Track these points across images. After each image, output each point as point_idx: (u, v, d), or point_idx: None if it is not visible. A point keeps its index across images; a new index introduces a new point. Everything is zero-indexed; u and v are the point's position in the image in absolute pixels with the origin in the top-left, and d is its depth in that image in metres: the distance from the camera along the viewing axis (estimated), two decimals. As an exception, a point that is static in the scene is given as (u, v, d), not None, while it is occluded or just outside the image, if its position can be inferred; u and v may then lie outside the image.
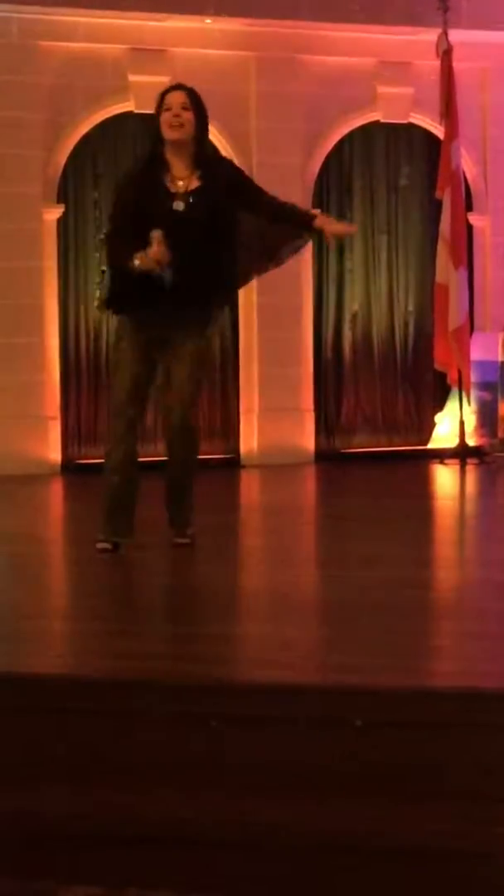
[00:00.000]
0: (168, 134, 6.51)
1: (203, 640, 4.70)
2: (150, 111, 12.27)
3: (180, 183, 6.47)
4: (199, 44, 12.28)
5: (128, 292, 6.49)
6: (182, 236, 6.31)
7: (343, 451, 12.79)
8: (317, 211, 6.52)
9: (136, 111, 12.18)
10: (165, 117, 6.52)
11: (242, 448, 12.50)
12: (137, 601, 5.71)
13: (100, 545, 6.65)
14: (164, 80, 12.04)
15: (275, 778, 3.74)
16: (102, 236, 6.78)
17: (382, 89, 12.79)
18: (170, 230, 6.28)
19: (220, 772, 3.79)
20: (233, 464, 12.40)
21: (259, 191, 6.67)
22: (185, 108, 6.51)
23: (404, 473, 11.77)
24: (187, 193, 6.46)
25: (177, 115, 6.49)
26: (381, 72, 12.77)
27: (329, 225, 6.80)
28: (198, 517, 8.92)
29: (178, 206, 6.43)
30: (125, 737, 3.89)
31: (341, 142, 12.83)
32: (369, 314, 12.99)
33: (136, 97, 12.13)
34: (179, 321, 6.46)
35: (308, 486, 11.46)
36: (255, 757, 3.77)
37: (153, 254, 6.23)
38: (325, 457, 12.52)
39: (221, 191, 6.49)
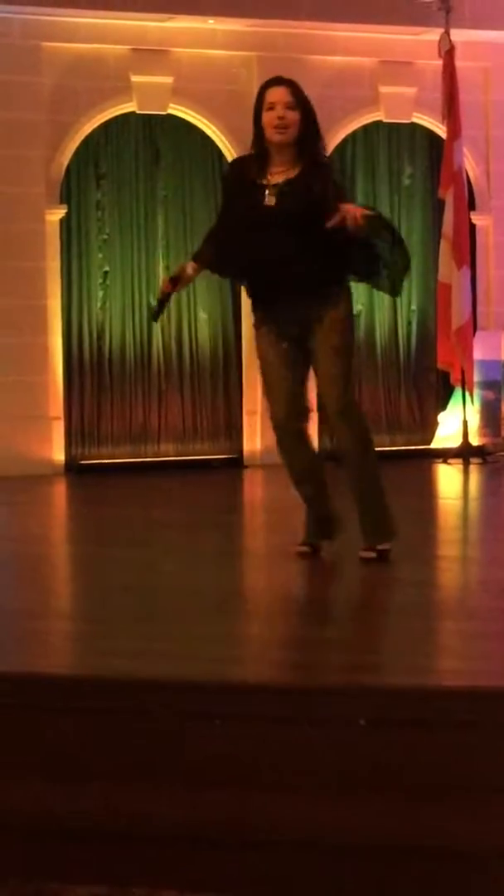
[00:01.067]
0: (272, 136, 6.05)
1: (207, 640, 4.71)
2: (153, 111, 12.41)
3: (271, 177, 6.05)
4: (202, 44, 12.29)
5: (256, 294, 6.22)
6: (275, 230, 5.97)
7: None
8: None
9: (139, 111, 12.20)
10: (268, 118, 6.05)
11: (245, 448, 12.50)
12: (140, 601, 5.71)
13: (299, 549, 6.43)
14: (167, 80, 12.12)
15: (280, 777, 3.75)
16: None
17: (385, 89, 12.79)
18: (260, 225, 6.00)
19: (224, 771, 3.79)
20: (236, 463, 12.40)
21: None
22: (289, 108, 6.02)
23: (407, 473, 11.75)
24: (277, 185, 6.03)
25: (282, 117, 6.02)
26: (384, 72, 12.77)
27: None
28: (200, 516, 8.96)
29: (270, 200, 6.03)
30: (130, 736, 3.90)
31: (344, 141, 12.82)
32: (372, 313, 12.99)
33: (139, 98, 12.14)
34: (306, 313, 6.08)
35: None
36: (260, 756, 3.77)
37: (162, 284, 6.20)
38: (329, 456, 12.48)
39: (317, 188, 5.99)
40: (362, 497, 6.25)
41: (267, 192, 6.04)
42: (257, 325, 6.27)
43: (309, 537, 6.46)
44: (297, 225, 5.96)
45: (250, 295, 6.29)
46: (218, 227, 6.36)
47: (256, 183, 6.07)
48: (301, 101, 6.05)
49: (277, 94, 6.04)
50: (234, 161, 6.39)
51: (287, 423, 6.24)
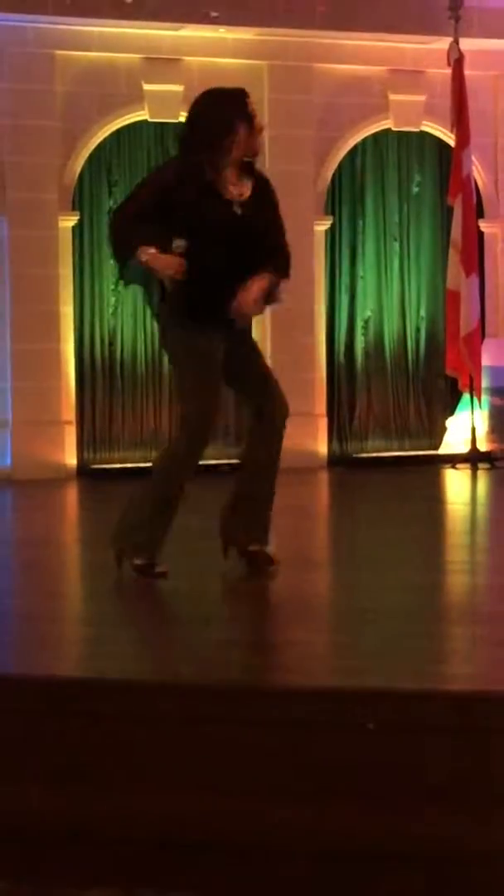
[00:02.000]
0: (256, 148, 6.35)
1: (215, 644, 4.75)
2: (165, 119, 12.44)
3: (232, 189, 6.24)
4: (213, 53, 12.36)
5: (199, 297, 6.22)
6: (240, 242, 6.17)
7: (355, 455, 12.84)
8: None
9: (151, 120, 12.27)
10: (255, 131, 6.28)
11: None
12: (149, 606, 5.75)
13: (161, 570, 6.27)
14: (179, 89, 12.18)
15: (289, 781, 3.77)
16: (113, 210, 6.50)
17: (394, 97, 12.85)
18: (227, 234, 6.16)
19: (234, 775, 3.81)
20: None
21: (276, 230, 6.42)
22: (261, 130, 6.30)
23: (416, 478, 11.81)
24: (242, 201, 6.24)
25: (261, 130, 6.32)
26: (393, 80, 12.84)
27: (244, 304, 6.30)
28: (208, 521, 8.99)
29: (238, 210, 6.22)
30: (132, 739, 3.91)
31: (353, 149, 12.88)
32: (381, 320, 13.05)
33: (151, 106, 12.22)
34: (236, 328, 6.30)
35: (320, 490, 11.51)
36: (268, 760, 3.80)
37: (174, 265, 6.12)
38: (338, 461, 12.57)
39: (267, 204, 6.32)
40: (267, 500, 6.46)
41: (234, 204, 6.23)
42: (189, 324, 6.26)
43: (153, 552, 6.30)
44: (255, 239, 6.22)
45: (189, 295, 6.23)
46: (147, 209, 6.29)
47: (218, 192, 6.22)
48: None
49: (252, 107, 6.33)
50: (179, 163, 6.45)
51: (213, 421, 6.42)
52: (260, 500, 6.46)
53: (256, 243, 6.23)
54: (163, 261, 6.12)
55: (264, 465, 6.46)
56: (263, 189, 6.35)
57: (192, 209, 6.16)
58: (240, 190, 6.27)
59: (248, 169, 6.34)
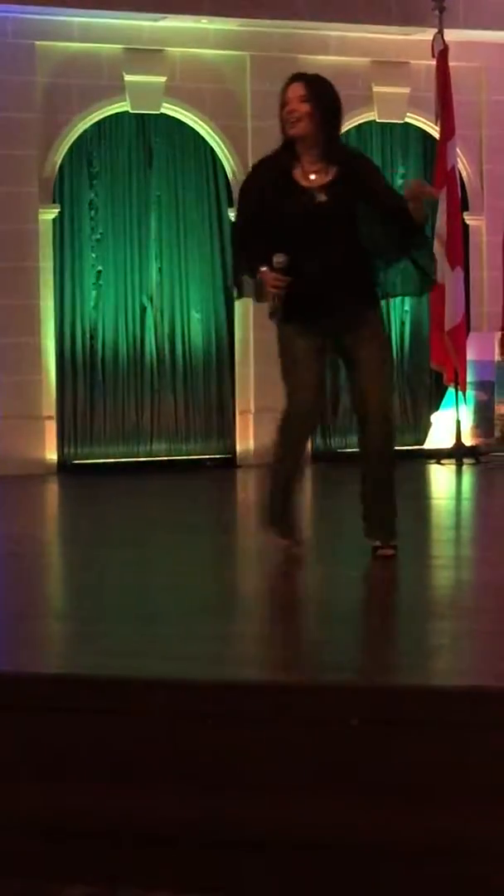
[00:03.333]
0: (286, 130, 6.11)
1: (199, 640, 4.71)
2: (146, 111, 12.41)
3: (313, 177, 6.10)
4: (195, 44, 12.29)
5: (294, 302, 6.09)
6: (322, 231, 6.06)
7: (339, 450, 12.79)
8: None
9: (132, 111, 12.20)
10: (283, 114, 6.12)
11: (238, 448, 12.51)
12: (132, 601, 5.71)
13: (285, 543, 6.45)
14: (161, 79, 12.11)
15: (272, 777, 3.74)
16: (233, 227, 6.58)
17: (378, 89, 12.80)
18: (309, 226, 6.07)
19: (216, 771, 3.78)
20: (229, 463, 12.40)
21: (386, 194, 6.24)
22: (302, 101, 6.05)
23: (401, 473, 11.68)
24: (323, 187, 6.09)
25: (292, 111, 6.07)
26: (377, 71, 12.78)
27: (417, 195, 6.12)
28: (192, 516, 8.96)
29: (322, 197, 6.08)
30: (120, 735, 3.89)
31: (337, 141, 12.83)
32: (365, 314, 12.99)
33: (132, 97, 12.15)
34: (349, 318, 6.16)
35: (304, 485, 11.45)
36: (251, 756, 3.77)
37: (272, 282, 6.01)
38: (323, 456, 12.51)
39: (358, 185, 6.10)
40: (385, 499, 6.29)
41: (315, 191, 6.09)
42: (289, 324, 6.21)
43: (276, 530, 6.44)
44: (348, 224, 6.08)
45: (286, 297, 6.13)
46: (255, 227, 6.23)
47: (297, 183, 6.12)
48: (317, 95, 6.09)
49: (292, 91, 6.12)
50: (258, 163, 6.40)
51: (313, 409, 6.39)
52: (372, 496, 6.32)
53: (346, 228, 6.07)
54: (267, 281, 6.02)
55: (368, 460, 6.32)
56: (352, 167, 6.14)
57: (273, 207, 6.09)
58: (320, 177, 6.10)
59: (332, 152, 6.11)
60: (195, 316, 12.49)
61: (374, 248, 6.19)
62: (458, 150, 12.29)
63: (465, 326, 12.17)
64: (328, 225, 6.07)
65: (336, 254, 6.07)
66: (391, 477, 6.28)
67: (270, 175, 6.19)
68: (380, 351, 6.27)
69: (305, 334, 6.18)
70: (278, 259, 5.99)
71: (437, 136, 12.27)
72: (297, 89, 6.09)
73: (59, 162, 12.08)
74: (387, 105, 12.88)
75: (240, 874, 3.68)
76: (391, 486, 6.28)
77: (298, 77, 6.20)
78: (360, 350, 6.18)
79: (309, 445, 12.23)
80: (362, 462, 6.34)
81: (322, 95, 6.11)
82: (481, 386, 12.69)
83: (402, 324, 13.14)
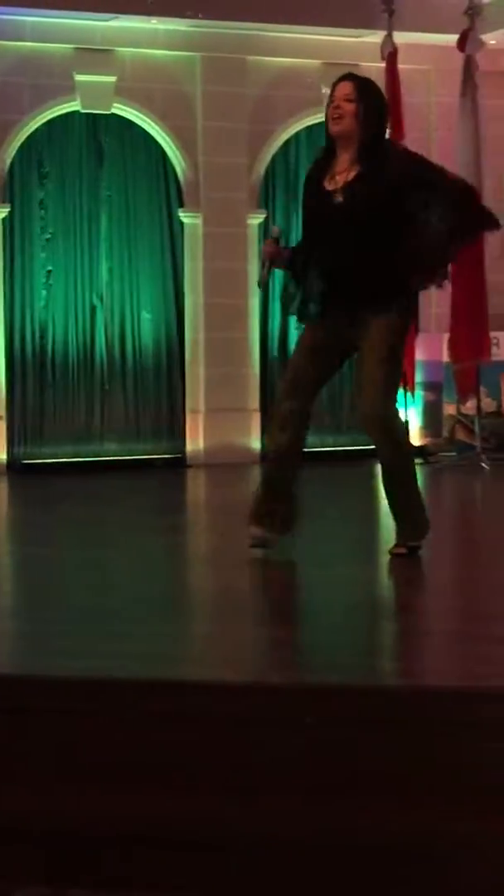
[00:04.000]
0: (329, 127, 6.22)
1: (154, 640, 4.71)
2: (97, 110, 12.38)
3: (338, 178, 6.16)
4: (146, 44, 12.30)
5: (307, 290, 6.24)
6: (334, 232, 6.11)
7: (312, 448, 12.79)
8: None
9: (83, 110, 12.19)
10: (329, 110, 6.21)
11: (189, 448, 12.53)
12: (85, 601, 5.70)
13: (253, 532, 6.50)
14: (111, 79, 12.11)
15: (227, 776, 3.75)
16: None
17: (328, 90, 12.80)
18: (323, 227, 6.15)
19: (172, 771, 3.78)
20: (179, 463, 12.41)
21: (436, 178, 6.24)
22: (348, 100, 6.13)
23: (351, 473, 11.81)
24: (342, 188, 6.14)
25: (337, 107, 6.14)
26: (327, 73, 12.80)
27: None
28: (142, 516, 8.96)
29: (339, 198, 6.14)
30: (77, 736, 3.88)
31: (287, 142, 12.87)
32: (315, 314, 13.02)
33: (83, 96, 12.13)
34: (361, 319, 6.16)
35: (254, 486, 11.45)
36: (206, 756, 3.78)
37: (266, 251, 6.32)
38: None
39: (387, 181, 6.09)
40: (393, 494, 6.44)
41: (334, 193, 6.16)
42: (301, 319, 6.37)
43: (259, 522, 6.46)
44: (365, 224, 6.08)
45: (301, 292, 6.28)
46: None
47: (323, 184, 6.22)
48: (363, 95, 6.17)
49: (340, 89, 6.21)
50: (311, 166, 6.49)
51: (293, 407, 6.34)
52: (391, 498, 6.46)
53: (362, 229, 6.07)
54: (263, 250, 6.33)
55: (383, 465, 6.41)
56: (382, 160, 6.15)
57: (304, 207, 6.36)
58: (343, 177, 6.17)
59: (370, 153, 6.15)
60: (145, 316, 12.49)
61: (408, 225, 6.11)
62: (407, 152, 12.33)
63: (414, 328, 12.20)
64: (342, 226, 6.09)
65: (346, 255, 6.09)
66: (397, 470, 6.38)
67: (312, 180, 6.31)
68: (376, 348, 6.17)
69: (314, 335, 6.28)
70: (274, 230, 6.30)
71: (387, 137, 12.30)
72: (345, 88, 6.17)
73: (10, 161, 12.05)
74: (337, 106, 12.90)
75: (192, 873, 3.70)
76: (399, 481, 6.40)
77: (348, 77, 6.28)
78: (362, 347, 6.21)
79: (258, 445, 12.54)
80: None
81: (368, 97, 6.19)
82: (430, 387, 12.77)
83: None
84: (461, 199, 6.25)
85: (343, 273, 6.12)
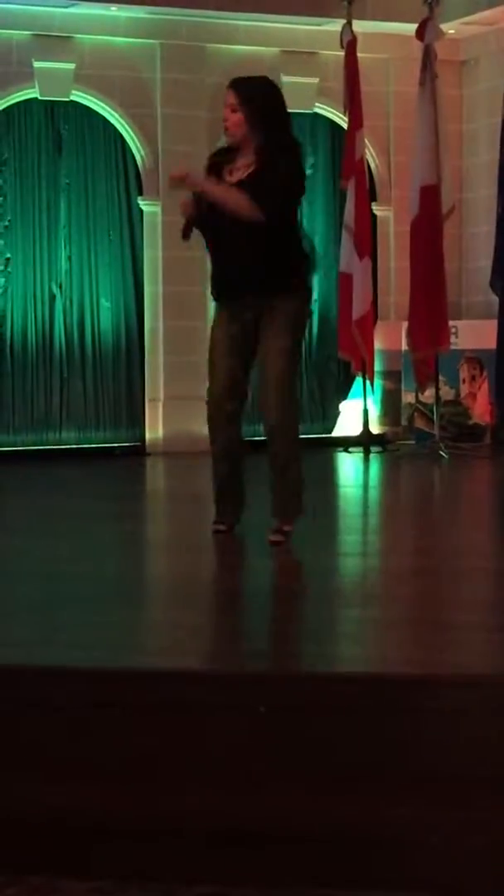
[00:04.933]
0: (226, 137, 6.45)
1: (107, 628, 4.71)
2: (55, 97, 12.33)
3: (237, 173, 6.37)
4: (105, 31, 12.26)
5: (218, 280, 6.58)
6: (228, 225, 6.29)
7: (248, 438, 12.78)
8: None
9: (41, 97, 12.13)
10: (223, 120, 6.43)
11: (148, 436, 12.51)
12: (46, 589, 5.69)
13: (214, 526, 6.81)
14: (70, 66, 12.06)
15: (180, 765, 3.76)
16: None
17: (287, 78, 12.81)
18: (220, 220, 6.30)
19: (126, 760, 3.79)
20: (138, 451, 12.40)
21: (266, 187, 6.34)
22: (233, 110, 6.31)
23: (309, 461, 11.79)
24: (238, 183, 6.33)
25: (225, 119, 6.36)
26: (286, 61, 12.82)
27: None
28: (101, 504, 8.95)
29: None
30: (25, 726, 3.87)
31: (246, 130, 12.85)
32: (274, 303, 13.02)
33: (41, 83, 12.08)
34: (265, 306, 6.40)
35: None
36: (160, 744, 3.78)
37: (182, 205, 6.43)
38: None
39: (271, 177, 6.26)
40: (278, 481, 6.57)
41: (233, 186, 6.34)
42: (217, 304, 6.68)
43: (220, 515, 6.82)
44: (257, 226, 6.25)
45: (211, 279, 6.67)
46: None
47: (223, 175, 6.41)
48: (248, 100, 6.28)
49: (226, 98, 6.36)
50: (215, 152, 6.71)
51: (221, 402, 6.62)
52: (273, 483, 6.63)
53: (250, 224, 6.23)
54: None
55: (269, 443, 6.64)
56: (262, 160, 6.30)
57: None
58: (238, 174, 6.36)
59: (267, 150, 6.29)
60: (104, 304, 12.47)
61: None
62: (366, 140, 12.36)
63: (373, 316, 12.24)
64: (233, 220, 6.27)
65: (239, 246, 6.31)
66: (285, 459, 6.55)
67: (213, 164, 6.50)
68: (279, 344, 6.41)
69: (225, 323, 6.54)
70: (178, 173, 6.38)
71: (345, 126, 12.33)
72: (230, 97, 6.32)
73: (-33, 148, 12.00)
74: (296, 95, 12.85)
75: (149, 862, 3.71)
76: (286, 468, 6.55)
77: (232, 84, 6.38)
78: (264, 341, 6.44)
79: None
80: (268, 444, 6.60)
81: (253, 100, 6.29)
82: (389, 375, 12.80)
83: (311, 313, 13.19)
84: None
85: (238, 263, 6.36)
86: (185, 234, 6.49)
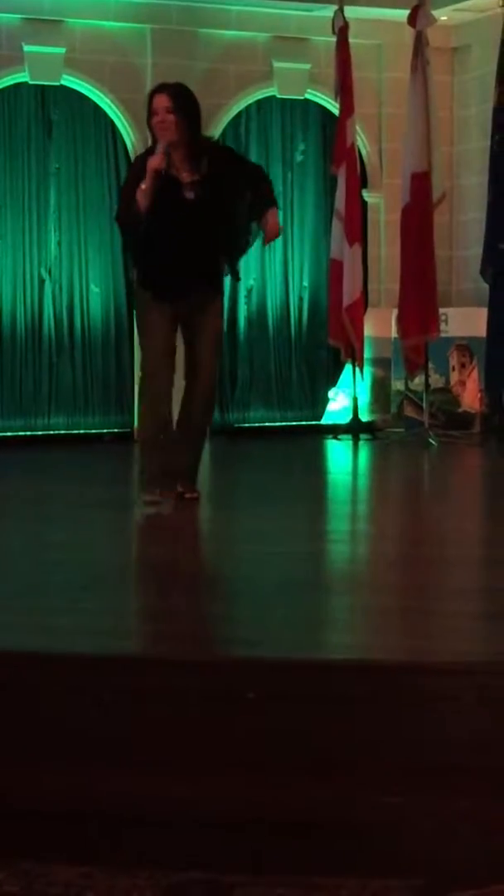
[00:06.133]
0: (160, 137, 7.10)
1: (94, 613, 4.70)
2: (45, 81, 12.31)
3: (185, 174, 7.11)
4: (96, 15, 12.21)
5: (152, 271, 7.24)
6: (192, 220, 7.07)
7: (236, 425, 12.82)
8: (273, 209, 7.29)
9: (31, 81, 12.10)
10: (153, 122, 7.13)
11: (136, 422, 12.48)
12: (33, 574, 5.68)
13: (148, 499, 7.37)
14: (60, 51, 12.02)
15: (167, 752, 3.75)
16: (117, 216, 7.60)
17: (278, 64, 12.81)
18: (182, 215, 7.05)
19: (110, 748, 3.78)
20: (126, 438, 12.39)
21: (244, 164, 7.53)
22: (168, 111, 7.07)
23: (298, 448, 11.84)
24: (192, 184, 7.11)
25: (162, 121, 7.07)
26: (278, 47, 12.78)
27: (273, 226, 7.23)
28: (90, 490, 8.96)
29: (189, 194, 7.11)
30: (16, 711, 3.87)
31: (237, 116, 12.83)
32: (264, 289, 13.02)
33: (31, 68, 12.04)
34: (196, 296, 7.22)
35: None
36: (148, 732, 3.77)
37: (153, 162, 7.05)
38: (219, 431, 12.53)
39: (224, 177, 7.15)
40: (196, 450, 7.55)
41: (184, 187, 7.12)
42: (146, 294, 7.30)
43: (158, 486, 7.40)
44: (210, 217, 7.11)
45: (146, 269, 7.32)
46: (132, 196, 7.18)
47: (171, 176, 7.10)
48: (180, 105, 7.11)
49: (158, 101, 7.12)
50: (141, 154, 7.50)
51: (162, 382, 7.33)
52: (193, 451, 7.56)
53: (204, 222, 7.09)
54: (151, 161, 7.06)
55: (189, 419, 7.50)
56: (219, 161, 7.18)
57: (152, 194, 7.06)
58: (190, 174, 7.11)
59: (195, 152, 7.12)
60: (94, 289, 12.44)
61: (234, 222, 7.24)
62: (357, 127, 12.34)
63: (363, 303, 12.23)
64: (189, 219, 7.06)
65: (190, 244, 7.09)
66: (204, 433, 7.57)
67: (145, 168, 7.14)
68: (216, 332, 7.40)
69: (159, 306, 7.20)
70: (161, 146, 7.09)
71: (337, 112, 12.31)
72: (163, 101, 7.09)
73: (-44, 132, 11.96)
74: (287, 81, 12.90)
75: (140, 848, 3.70)
76: (202, 441, 7.56)
77: (162, 88, 7.20)
78: (202, 328, 7.31)
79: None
80: (182, 417, 7.47)
81: (185, 104, 7.14)
82: (378, 362, 12.79)
83: (301, 300, 13.19)
84: (258, 179, 7.31)
85: (185, 260, 7.13)
86: (133, 216, 7.06)
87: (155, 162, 7.04)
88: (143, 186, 7.02)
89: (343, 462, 11.08)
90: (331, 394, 13.01)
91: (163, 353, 7.26)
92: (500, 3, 11.59)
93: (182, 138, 7.09)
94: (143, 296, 7.30)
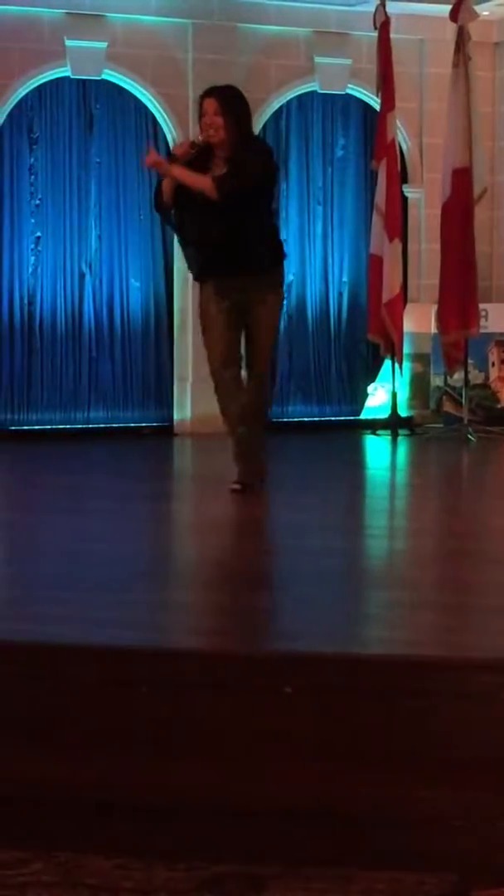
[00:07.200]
0: (206, 138, 7.49)
1: (135, 607, 4.72)
2: (87, 76, 12.33)
3: (217, 170, 7.44)
4: (136, 10, 12.23)
5: (205, 264, 7.56)
6: (213, 213, 7.37)
7: (276, 420, 12.81)
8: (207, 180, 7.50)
9: (73, 76, 12.13)
10: (202, 123, 7.54)
11: (176, 416, 12.52)
12: (73, 567, 5.70)
13: (232, 486, 7.67)
14: (102, 46, 12.05)
15: (205, 744, 3.76)
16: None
17: (320, 59, 12.80)
18: (206, 208, 7.36)
19: (151, 738, 3.80)
20: (166, 431, 12.42)
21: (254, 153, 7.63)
22: (216, 114, 7.44)
23: (336, 443, 11.83)
24: (222, 175, 7.38)
25: (210, 123, 7.46)
26: (319, 42, 12.78)
27: (191, 181, 7.52)
28: (131, 485, 8.98)
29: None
30: (51, 702, 3.88)
31: (278, 111, 12.83)
32: (304, 284, 13.02)
33: (73, 62, 12.08)
34: (251, 288, 7.51)
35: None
36: (186, 723, 3.79)
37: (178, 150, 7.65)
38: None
39: (254, 174, 7.43)
40: (250, 443, 7.70)
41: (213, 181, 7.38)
42: (202, 285, 7.66)
43: (241, 476, 7.69)
44: (233, 211, 7.35)
45: (196, 262, 7.67)
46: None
47: (206, 171, 7.45)
48: (228, 108, 7.45)
49: (208, 105, 7.50)
50: (195, 142, 7.69)
51: (223, 372, 7.53)
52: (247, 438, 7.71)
53: (233, 212, 7.34)
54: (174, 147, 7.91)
55: (245, 416, 7.64)
56: (243, 161, 7.40)
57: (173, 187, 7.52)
58: (218, 171, 7.42)
59: (239, 152, 7.42)
60: (134, 283, 12.47)
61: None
62: (398, 122, 12.32)
63: (403, 298, 12.22)
64: (217, 210, 7.34)
65: (226, 232, 7.39)
66: (257, 420, 7.68)
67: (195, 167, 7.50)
68: (272, 325, 7.68)
69: (214, 298, 7.53)
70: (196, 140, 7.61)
71: (377, 107, 12.29)
72: (212, 104, 7.46)
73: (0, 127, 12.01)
74: (328, 76, 12.89)
75: (175, 840, 3.72)
76: (254, 429, 7.67)
77: (211, 92, 7.54)
78: (257, 320, 7.57)
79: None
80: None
81: (233, 107, 7.49)
82: (417, 358, 12.78)
83: (340, 295, 13.18)
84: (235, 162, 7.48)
85: (225, 247, 7.45)
86: (159, 207, 7.55)
87: (176, 147, 7.70)
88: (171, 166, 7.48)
89: (382, 457, 11.07)
90: (370, 389, 12.99)
91: (220, 351, 7.53)
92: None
93: (228, 139, 7.44)
94: (202, 291, 7.66)
